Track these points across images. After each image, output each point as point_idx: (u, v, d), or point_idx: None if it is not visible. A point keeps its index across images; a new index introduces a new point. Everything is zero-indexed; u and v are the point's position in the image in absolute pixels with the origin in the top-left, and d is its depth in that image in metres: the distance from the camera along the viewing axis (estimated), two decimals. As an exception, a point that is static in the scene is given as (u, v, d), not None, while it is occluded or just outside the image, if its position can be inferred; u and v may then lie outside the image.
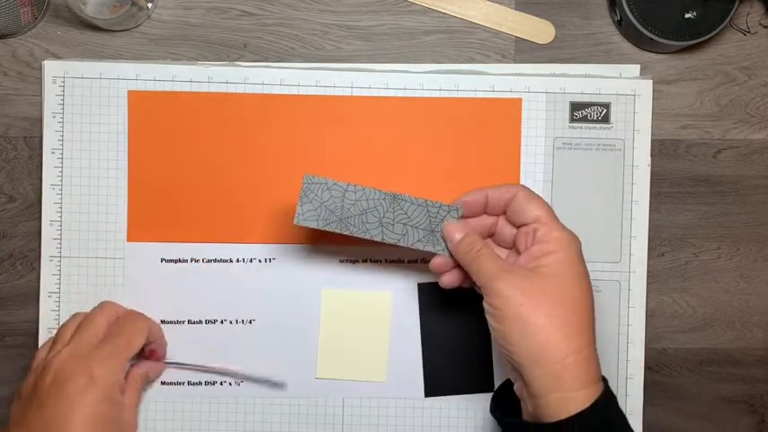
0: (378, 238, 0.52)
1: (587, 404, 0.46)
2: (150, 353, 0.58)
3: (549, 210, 0.51)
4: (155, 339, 0.58)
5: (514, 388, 0.50)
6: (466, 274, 0.52)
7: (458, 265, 0.52)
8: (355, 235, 0.52)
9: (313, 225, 0.52)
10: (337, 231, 0.52)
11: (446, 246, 0.52)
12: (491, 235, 0.54)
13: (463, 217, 0.53)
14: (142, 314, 0.58)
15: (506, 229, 0.53)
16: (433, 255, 0.53)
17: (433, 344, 0.60)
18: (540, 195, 0.59)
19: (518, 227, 0.52)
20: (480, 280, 0.49)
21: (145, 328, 0.56)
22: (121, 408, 0.54)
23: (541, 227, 0.50)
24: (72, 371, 0.51)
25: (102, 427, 0.51)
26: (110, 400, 0.52)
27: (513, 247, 0.53)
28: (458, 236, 0.52)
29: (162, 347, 0.59)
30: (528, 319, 0.47)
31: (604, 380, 0.48)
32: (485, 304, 0.49)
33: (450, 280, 0.53)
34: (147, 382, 0.59)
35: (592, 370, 0.47)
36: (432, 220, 0.53)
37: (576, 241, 0.50)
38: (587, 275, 0.50)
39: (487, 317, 0.49)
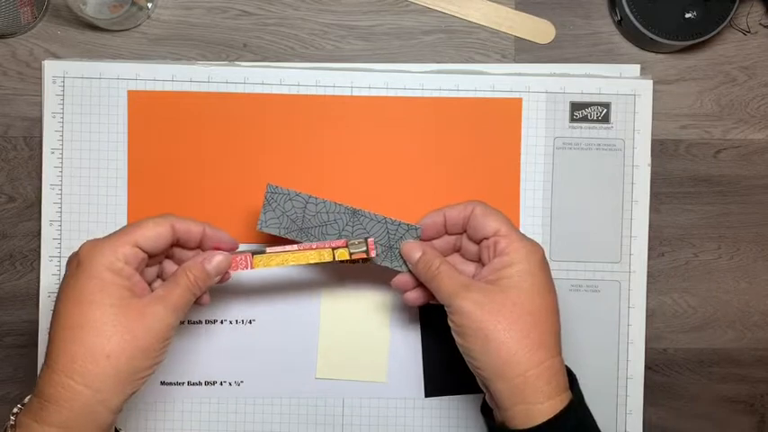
0: None
1: (550, 416, 0.46)
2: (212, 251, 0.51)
3: (508, 222, 0.51)
4: (199, 237, 0.51)
5: (485, 398, 0.51)
6: (429, 292, 0.52)
7: (420, 284, 0.53)
8: None
9: (274, 232, 0.53)
10: (298, 240, 0.53)
11: (404, 263, 0.53)
12: (457, 250, 0.55)
13: (425, 239, 0.54)
14: (175, 216, 0.50)
15: (470, 246, 0.53)
16: (395, 272, 0.54)
17: (433, 344, 0.60)
18: (540, 195, 0.60)
19: (479, 242, 0.52)
20: (441, 298, 0.50)
21: (159, 219, 0.49)
22: (118, 288, 0.46)
23: (501, 239, 0.50)
24: (68, 261, 0.49)
25: (90, 308, 0.46)
26: (95, 278, 0.46)
27: (478, 260, 0.53)
28: (416, 254, 0.52)
29: (222, 242, 0.52)
30: (488, 334, 0.47)
31: (574, 387, 0.49)
32: (449, 321, 0.50)
33: (413, 297, 0.54)
34: (207, 279, 0.50)
35: (555, 381, 0.47)
36: (390, 237, 0.53)
37: (536, 251, 0.50)
38: (549, 284, 0.50)
39: (453, 333, 0.50)
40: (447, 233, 0.54)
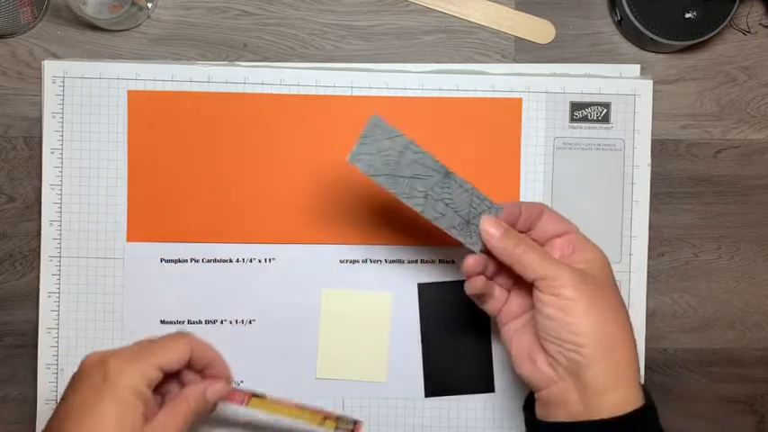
0: (419, 209, 0.50)
1: (643, 403, 0.46)
2: (211, 378, 0.52)
3: (577, 228, 0.51)
4: (208, 362, 0.51)
5: (547, 393, 0.48)
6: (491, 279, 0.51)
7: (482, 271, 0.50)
8: (399, 197, 0.49)
9: (364, 169, 0.49)
10: (384, 186, 0.49)
11: (479, 241, 0.50)
12: None
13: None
14: (194, 337, 0.51)
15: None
16: (463, 254, 0.50)
17: (433, 344, 0.60)
18: (541, 195, 0.60)
19: (544, 242, 0.51)
20: (538, 270, 0.47)
21: (182, 341, 0.49)
22: (138, 415, 0.47)
23: (575, 237, 0.50)
24: (92, 367, 0.48)
25: (109, 429, 0.46)
26: (121, 402, 0.46)
27: None
28: (496, 231, 0.49)
29: (221, 371, 0.52)
30: (600, 308, 0.46)
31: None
32: (548, 297, 0.47)
33: (478, 284, 0.51)
34: (206, 406, 0.51)
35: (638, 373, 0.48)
36: (471, 210, 0.50)
37: (605, 256, 0.50)
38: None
39: (549, 310, 0.47)
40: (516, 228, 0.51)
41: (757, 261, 0.62)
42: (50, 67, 0.59)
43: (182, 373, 0.50)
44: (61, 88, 0.59)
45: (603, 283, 0.48)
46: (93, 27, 0.60)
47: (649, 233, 0.60)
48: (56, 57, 0.60)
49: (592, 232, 0.59)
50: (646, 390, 0.47)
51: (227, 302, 0.60)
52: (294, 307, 0.60)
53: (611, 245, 0.60)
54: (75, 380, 0.48)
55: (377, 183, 0.49)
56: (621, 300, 0.49)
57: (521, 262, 0.48)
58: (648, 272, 0.60)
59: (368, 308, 0.60)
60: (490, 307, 0.52)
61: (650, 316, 0.61)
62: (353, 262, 0.60)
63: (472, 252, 0.50)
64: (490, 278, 0.51)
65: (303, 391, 0.59)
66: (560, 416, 0.47)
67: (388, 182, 0.49)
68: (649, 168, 0.60)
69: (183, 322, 0.59)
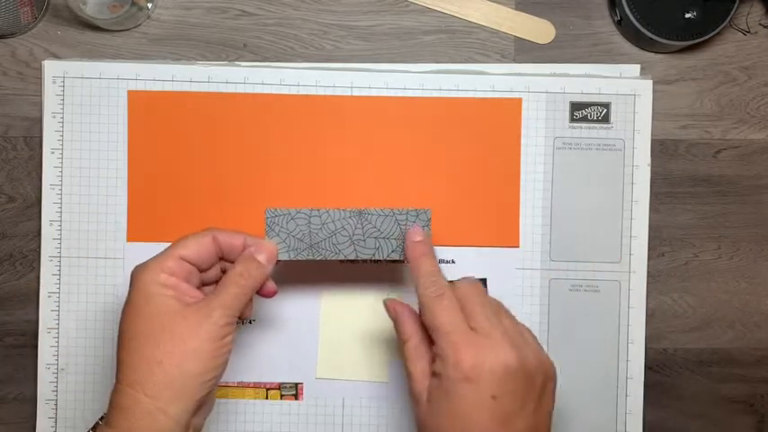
0: (351, 257, 0.52)
1: None
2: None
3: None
4: (238, 247, 0.50)
5: None
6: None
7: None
8: (328, 258, 0.52)
9: (284, 257, 0.51)
10: (309, 258, 0.51)
11: None
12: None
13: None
14: (218, 229, 0.51)
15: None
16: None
17: (433, 344, 0.60)
18: (540, 196, 0.60)
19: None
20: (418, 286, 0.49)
21: (203, 232, 0.50)
22: (166, 299, 0.47)
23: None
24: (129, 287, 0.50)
25: (141, 320, 0.47)
26: (142, 293, 0.47)
27: None
28: (417, 236, 0.51)
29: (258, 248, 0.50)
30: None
31: None
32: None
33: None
34: (266, 263, 0.50)
35: None
36: (402, 228, 0.52)
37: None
38: None
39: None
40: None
41: (757, 261, 0.62)
42: (50, 67, 0.59)
43: (227, 267, 0.51)
44: (61, 88, 0.59)
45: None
46: (93, 27, 0.60)
47: (649, 233, 0.60)
48: (56, 57, 0.60)
49: (592, 232, 0.60)
50: None
51: (227, 302, 0.60)
52: (294, 307, 0.60)
53: (611, 245, 0.60)
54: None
55: (302, 259, 0.51)
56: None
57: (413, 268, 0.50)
58: (648, 272, 0.60)
59: (368, 308, 0.60)
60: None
61: (650, 316, 0.61)
62: (353, 262, 0.60)
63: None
64: None
65: (303, 391, 0.59)
66: None
67: (312, 253, 0.51)
68: (649, 168, 0.60)
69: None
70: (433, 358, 0.47)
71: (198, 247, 0.49)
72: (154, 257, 0.49)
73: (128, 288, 0.48)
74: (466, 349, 0.45)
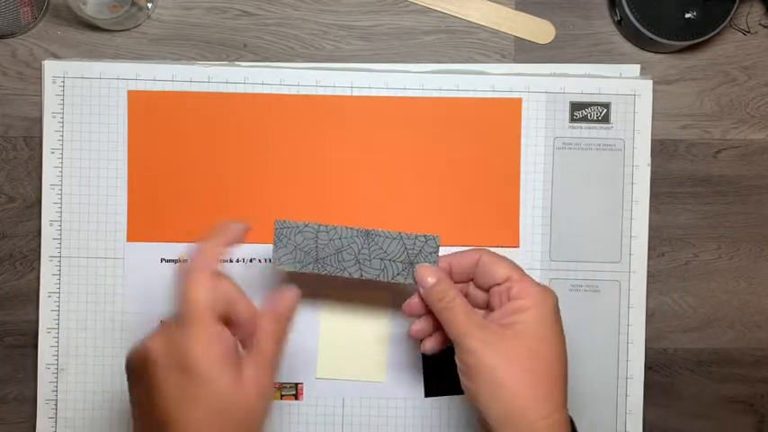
0: (356, 275, 0.51)
1: None
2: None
3: (519, 267, 0.49)
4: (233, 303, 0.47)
5: None
6: (437, 328, 0.50)
7: (429, 312, 0.50)
8: (333, 274, 0.52)
9: (290, 268, 0.51)
10: (315, 272, 0.51)
11: None
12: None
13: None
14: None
15: (478, 293, 0.51)
16: (408, 297, 0.52)
17: (433, 344, 0.60)
18: (540, 196, 0.60)
19: (487, 289, 0.50)
20: (452, 333, 0.47)
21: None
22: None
23: (515, 284, 0.48)
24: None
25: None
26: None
27: (486, 307, 0.51)
28: (430, 280, 0.49)
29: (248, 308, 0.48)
30: (500, 381, 0.45)
31: None
32: (457, 359, 0.47)
33: (418, 328, 0.51)
34: (282, 326, 0.48)
35: None
36: (409, 252, 0.51)
37: (552, 296, 0.48)
38: (562, 333, 0.48)
39: (459, 373, 0.47)
40: (454, 281, 0.51)
41: (757, 261, 0.62)
42: (50, 67, 0.59)
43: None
44: (61, 88, 0.59)
45: (529, 338, 0.47)
46: (93, 27, 0.60)
47: (649, 233, 0.60)
48: (56, 57, 0.60)
49: (592, 232, 0.60)
50: None
51: (227, 302, 0.60)
52: (294, 307, 0.60)
53: (611, 245, 0.60)
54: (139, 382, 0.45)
55: (307, 272, 0.51)
56: (556, 349, 0.47)
57: (440, 317, 0.48)
58: (648, 272, 0.60)
59: (368, 308, 0.60)
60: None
61: (650, 316, 0.61)
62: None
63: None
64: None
65: (303, 392, 0.59)
66: None
67: (317, 267, 0.51)
68: (649, 168, 0.60)
69: (183, 322, 0.59)
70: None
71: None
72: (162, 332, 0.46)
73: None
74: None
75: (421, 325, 0.51)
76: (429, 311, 0.50)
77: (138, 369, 0.45)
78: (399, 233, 0.51)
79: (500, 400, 0.45)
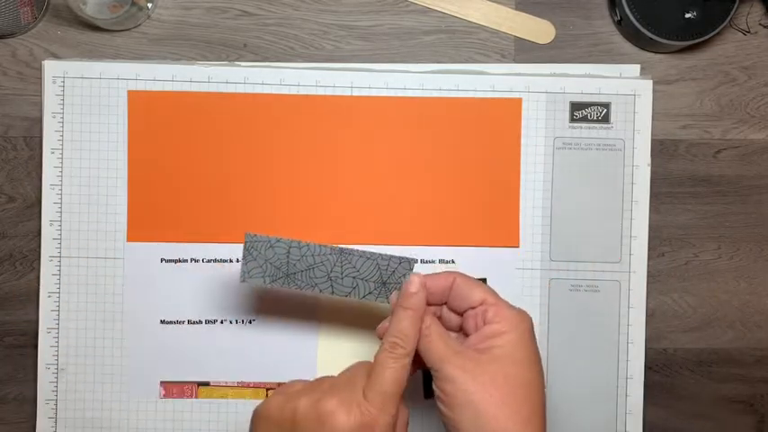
0: (327, 292, 0.51)
1: None
2: None
3: (493, 291, 0.49)
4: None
5: None
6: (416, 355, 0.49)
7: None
8: (303, 290, 0.51)
9: (259, 283, 0.51)
10: (284, 287, 0.51)
11: None
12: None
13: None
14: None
15: (451, 316, 0.51)
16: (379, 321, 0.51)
17: (433, 344, 0.60)
18: (540, 196, 0.60)
19: (462, 313, 0.50)
20: (430, 360, 0.47)
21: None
22: None
23: (490, 308, 0.48)
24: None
25: None
26: None
27: (460, 330, 0.50)
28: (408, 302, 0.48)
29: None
30: (480, 407, 0.45)
31: None
32: (434, 386, 0.47)
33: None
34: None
35: None
36: (382, 272, 0.51)
37: (527, 319, 0.48)
38: (538, 356, 0.48)
39: (438, 402, 0.46)
40: (427, 303, 0.49)
41: (757, 261, 0.62)
42: (50, 67, 0.59)
43: None
44: (61, 88, 0.59)
45: (506, 362, 0.46)
46: (93, 27, 0.60)
47: (649, 233, 0.60)
48: (56, 57, 0.60)
49: (592, 232, 0.60)
50: None
51: (227, 302, 0.60)
52: (294, 307, 0.60)
53: (611, 245, 0.60)
54: None
55: (276, 287, 0.50)
56: (532, 372, 0.47)
57: (418, 347, 0.48)
58: (648, 272, 0.60)
59: (368, 308, 0.60)
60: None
61: (650, 316, 0.61)
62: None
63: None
64: None
65: (303, 391, 0.60)
66: None
67: (286, 282, 0.51)
68: (649, 168, 0.60)
69: (183, 322, 0.59)
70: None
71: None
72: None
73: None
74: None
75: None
76: None
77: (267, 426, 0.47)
78: (373, 253, 0.50)
79: (479, 425, 0.45)
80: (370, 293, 0.51)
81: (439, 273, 0.50)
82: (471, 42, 0.61)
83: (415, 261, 0.51)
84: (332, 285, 0.51)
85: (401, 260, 0.50)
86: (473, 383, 0.45)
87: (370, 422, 0.44)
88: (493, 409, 0.45)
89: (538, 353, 0.48)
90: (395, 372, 0.46)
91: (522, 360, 0.47)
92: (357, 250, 0.50)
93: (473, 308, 0.49)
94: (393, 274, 0.51)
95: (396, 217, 0.59)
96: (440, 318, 0.51)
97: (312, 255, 0.50)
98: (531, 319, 0.48)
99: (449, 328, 0.50)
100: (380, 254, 0.50)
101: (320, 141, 0.59)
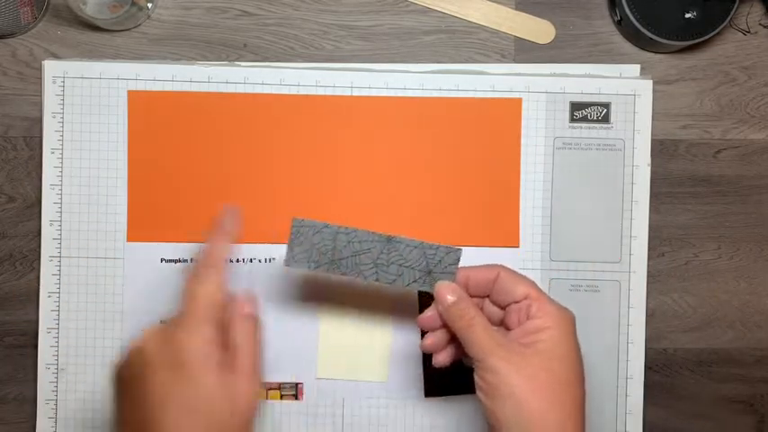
0: (372, 279, 0.51)
1: None
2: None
3: (536, 285, 0.49)
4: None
5: None
6: (449, 342, 0.50)
7: (445, 326, 0.50)
8: (348, 276, 0.51)
9: (304, 268, 0.50)
10: (329, 273, 0.50)
11: None
12: None
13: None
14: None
15: (493, 310, 0.51)
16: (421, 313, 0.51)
17: (433, 344, 0.60)
18: (540, 196, 0.60)
19: (504, 306, 0.50)
20: (474, 352, 0.47)
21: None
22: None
23: (534, 303, 0.48)
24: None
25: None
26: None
27: (501, 324, 0.51)
28: (450, 298, 0.49)
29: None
30: (522, 399, 0.45)
31: None
32: (477, 378, 0.47)
33: (432, 342, 0.50)
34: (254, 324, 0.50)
35: None
36: (429, 261, 0.50)
37: (570, 316, 0.48)
38: (580, 352, 0.48)
39: (479, 392, 0.47)
40: (469, 295, 0.50)
41: (757, 261, 0.62)
42: (50, 67, 0.59)
43: None
44: (61, 88, 0.59)
45: (550, 358, 0.46)
46: (93, 27, 0.60)
47: (649, 233, 0.60)
48: (56, 57, 0.60)
49: (592, 232, 0.60)
50: None
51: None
52: (294, 307, 0.60)
53: (611, 245, 0.60)
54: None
55: (321, 273, 0.50)
56: (575, 369, 0.47)
57: (461, 336, 0.48)
58: (648, 272, 0.60)
59: (368, 308, 0.60)
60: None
61: (650, 316, 0.61)
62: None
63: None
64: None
65: (303, 392, 0.59)
66: None
67: (332, 268, 0.50)
68: (649, 168, 0.60)
69: (183, 322, 0.59)
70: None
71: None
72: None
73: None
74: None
75: (435, 339, 0.51)
76: (443, 326, 0.50)
77: (127, 375, 0.46)
78: (421, 242, 0.50)
79: (521, 420, 0.45)
80: (414, 281, 0.51)
81: (482, 265, 0.50)
82: (471, 42, 0.61)
83: (461, 250, 0.50)
84: (377, 272, 0.51)
85: (448, 250, 0.50)
86: (516, 376, 0.45)
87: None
88: (536, 403, 0.45)
89: (579, 350, 0.48)
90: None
91: (565, 356, 0.47)
92: (405, 238, 0.50)
93: (516, 302, 0.49)
94: (439, 263, 0.50)
95: (396, 217, 0.59)
96: (482, 310, 0.51)
97: (359, 241, 0.50)
98: (573, 316, 0.48)
99: (491, 322, 0.50)
100: (428, 243, 0.50)
101: (320, 141, 0.59)
